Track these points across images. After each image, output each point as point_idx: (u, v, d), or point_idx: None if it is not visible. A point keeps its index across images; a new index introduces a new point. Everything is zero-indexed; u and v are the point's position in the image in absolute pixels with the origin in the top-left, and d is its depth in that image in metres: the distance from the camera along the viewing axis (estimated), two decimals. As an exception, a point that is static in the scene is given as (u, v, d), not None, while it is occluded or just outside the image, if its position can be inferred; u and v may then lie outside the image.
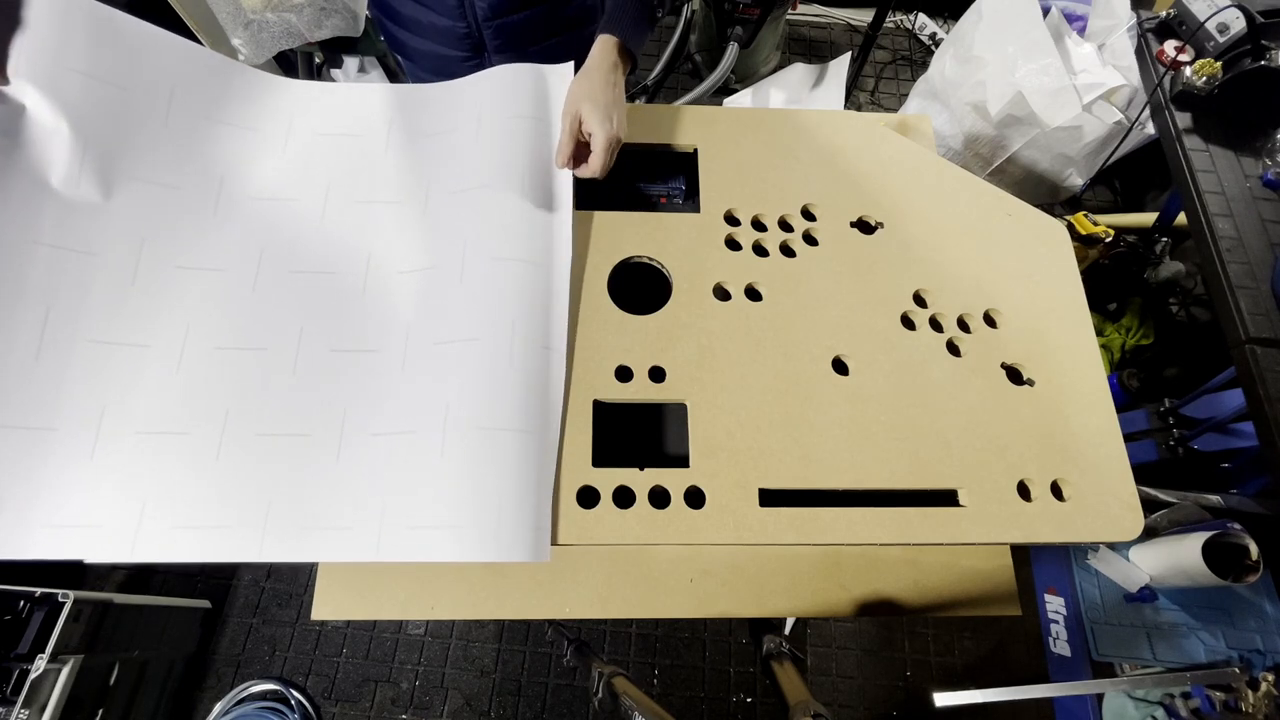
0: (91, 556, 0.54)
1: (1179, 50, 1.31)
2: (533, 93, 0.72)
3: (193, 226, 0.65)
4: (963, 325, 0.73)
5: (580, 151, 0.70)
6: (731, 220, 0.77)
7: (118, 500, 0.56)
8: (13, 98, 0.59)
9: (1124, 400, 1.65)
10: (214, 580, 1.66)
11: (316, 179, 0.71)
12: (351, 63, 1.85)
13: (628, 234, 0.75)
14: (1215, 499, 1.20)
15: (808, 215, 0.77)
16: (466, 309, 0.63)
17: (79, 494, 0.55)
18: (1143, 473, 1.28)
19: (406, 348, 0.64)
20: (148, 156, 0.64)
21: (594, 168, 0.68)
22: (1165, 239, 1.80)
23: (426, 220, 0.69)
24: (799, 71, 2.19)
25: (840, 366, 0.69)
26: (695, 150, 0.81)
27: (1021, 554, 1.17)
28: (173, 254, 0.63)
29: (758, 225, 0.77)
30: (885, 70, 2.47)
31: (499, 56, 0.90)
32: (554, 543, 0.59)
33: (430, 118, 0.74)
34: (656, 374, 0.67)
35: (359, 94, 0.75)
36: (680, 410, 0.67)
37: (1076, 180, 1.85)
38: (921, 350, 0.71)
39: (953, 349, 0.72)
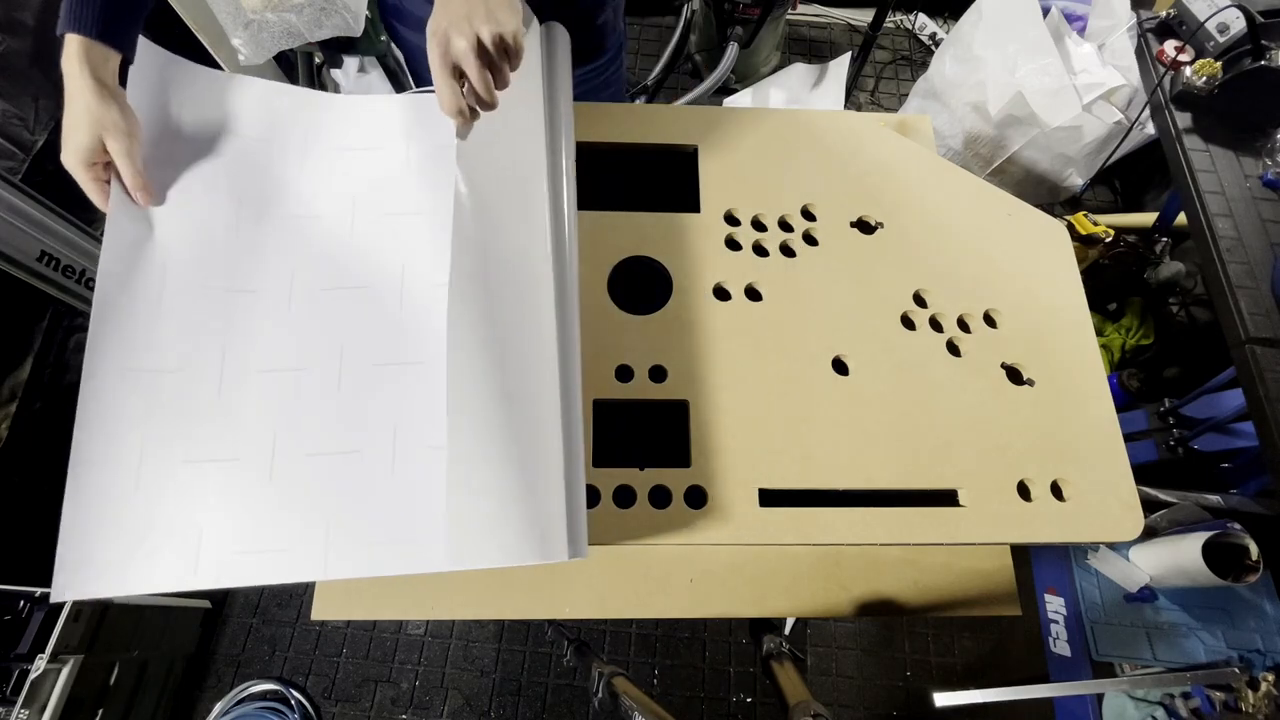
0: (146, 588, 0.53)
1: (1179, 50, 1.31)
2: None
3: (224, 245, 0.65)
4: (963, 325, 0.73)
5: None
6: (731, 220, 0.77)
7: (174, 527, 0.55)
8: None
9: (1124, 400, 1.65)
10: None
11: (340, 192, 0.70)
12: (351, 63, 1.84)
13: (628, 234, 0.75)
14: (1215, 499, 1.21)
15: (808, 215, 0.77)
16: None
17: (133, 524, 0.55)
18: (1143, 473, 1.28)
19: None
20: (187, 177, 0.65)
21: (478, 92, 0.56)
22: (1165, 239, 1.80)
23: (460, 232, 0.68)
24: (799, 71, 2.19)
25: (840, 366, 0.69)
26: (695, 150, 0.81)
27: (1021, 554, 1.17)
28: (204, 276, 0.63)
29: (758, 225, 0.77)
30: (885, 70, 2.47)
31: None
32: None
33: (448, 129, 0.73)
34: (657, 374, 0.67)
35: (372, 105, 0.74)
36: (680, 410, 0.67)
37: (1076, 180, 1.85)
38: (921, 350, 0.71)
39: (953, 349, 0.72)
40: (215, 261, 0.63)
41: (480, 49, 0.54)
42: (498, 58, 0.56)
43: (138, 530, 0.54)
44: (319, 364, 0.62)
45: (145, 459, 0.56)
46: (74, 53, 0.54)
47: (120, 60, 0.58)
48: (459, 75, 0.56)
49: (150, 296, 0.60)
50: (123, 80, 0.60)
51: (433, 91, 0.60)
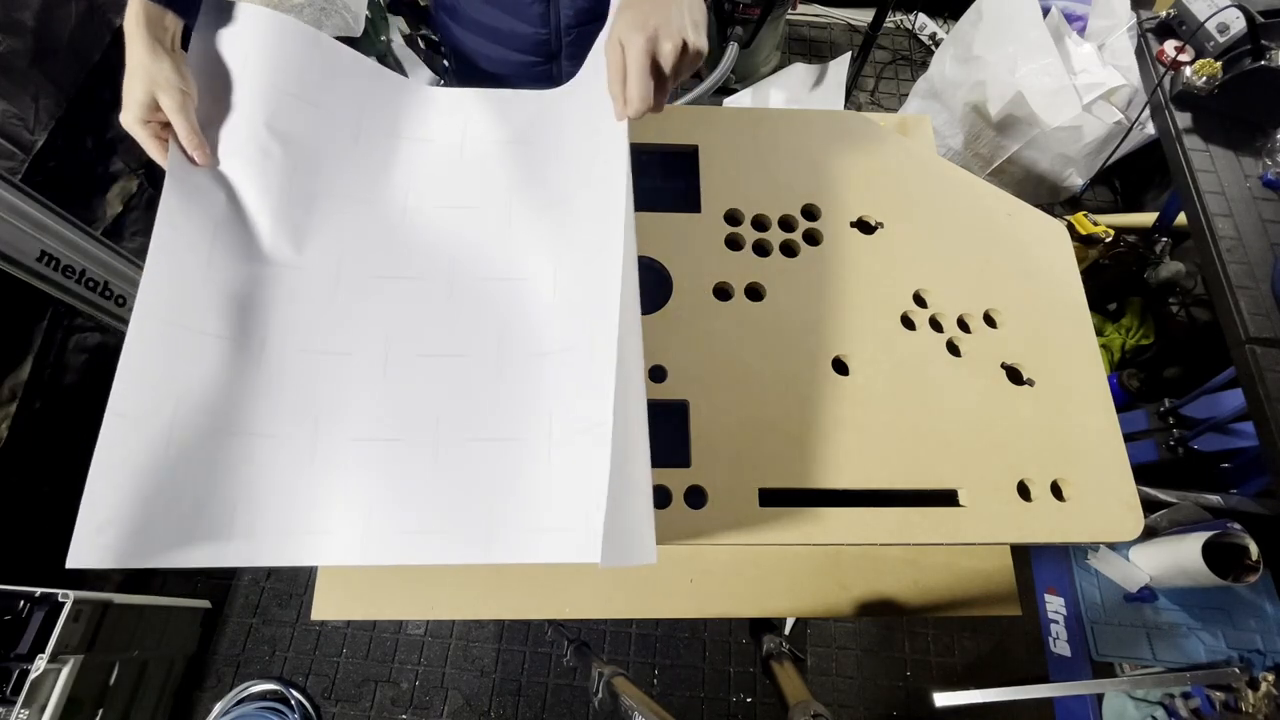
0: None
1: (1179, 50, 1.31)
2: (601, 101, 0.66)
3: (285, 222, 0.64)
4: (963, 325, 0.73)
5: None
6: (732, 220, 0.77)
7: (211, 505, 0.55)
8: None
9: (1124, 400, 1.65)
10: (214, 580, 1.66)
11: (396, 182, 0.69)
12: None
13: (628, 234, 0.75)
14: (1215, 499, 1.21)
15: (808, 215, 0.77)
16: (564, 321, 0.63)
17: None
18: (1143, 473, 1.28)
19: (500, 355, 0.63)
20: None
21: (630, 92, 0.52)
22: (1165, 239, 1.80)
23: (511, 231, 0.68)
24: (799, 71, 2.19)
25: (840, 366, 0.69)
26: (696, 150, 0.81)
27: (1021, 554, 1.17)
28: (249, 251, 0.63)
29: (758, 225, 0.77)
30: (885, 70, 2.47)
31: (570, 64, 0.88)
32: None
33: (510, 125, 0.72)
34: (657, 373, 0.67)
35: (432, 95, 0.73)
36: (680, 410, 0.67)
37: (1076, 180, 1.85)
38: (921, 350, 0.71)
39: (953, 349, 0.72)
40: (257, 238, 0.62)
41: (667, 53, 0.52)
42: (685, 69, 0.55)
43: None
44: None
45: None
46: (134, 12, 0.55)
47: (182, 26, 0.58)
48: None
49: (199, 260, 0.59)
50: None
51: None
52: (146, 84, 0.55)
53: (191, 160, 0.59)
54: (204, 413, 0.55)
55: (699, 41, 0.52)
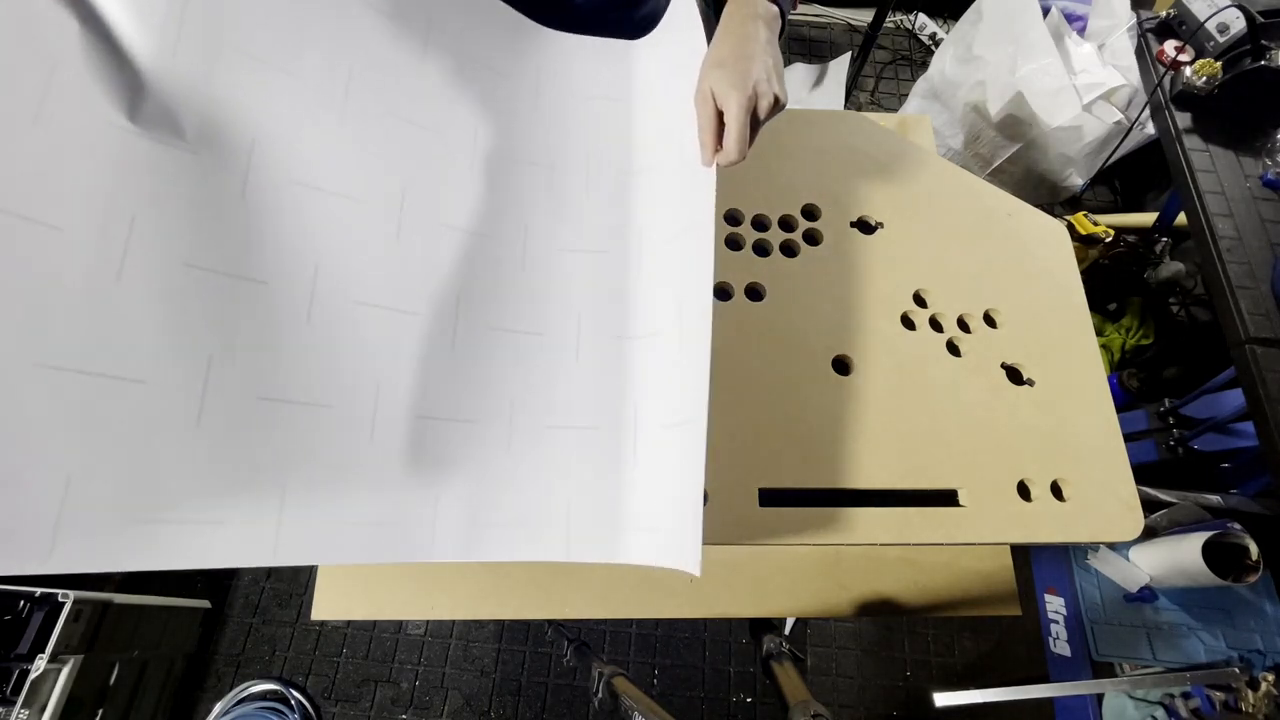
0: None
1: (1179, 50, 1.31)
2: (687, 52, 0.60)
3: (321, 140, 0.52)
4: (963, 325, 0.73)
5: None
6: (732, 220, 0.77)
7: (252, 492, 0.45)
8: None
9: (1124, 400, 1.65)
10: (214, 580, 1.66)
11: (462, 121, 0.58)
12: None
13: (628, 234, 0.75)
14: (1215, 499, 1.20)
15: (808, 215, 0.77)
16: (647, 299, 0.58)
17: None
18: (1143, 473, 1.28)
19: (580, 335, 0.58)
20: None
21: (727, 144, 0.53)
22: (1165, 239, 1.80)
23: (591, 196, 0.61)
24: (799, 71, 2.19)
25: (840, 366, 0.69)
26: (695, 150, 0.81)
27: (1021, 554, 1.16)
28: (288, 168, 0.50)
29: (758, 225, 0.77)
30: (885, 70, 2.46)
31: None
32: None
33: (583, 77, 0.64)
34: (656, 374, 0.67)
35: (505, 22, 0.63)
36: (680, 410, 0.67)
37: (1076, 180, 1.85)
38: (921, 350, 0.71)
39: (953, 349, 0.72)
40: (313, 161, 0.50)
41: (765, 108, 0.54)
42: (770, 119, 0.56)
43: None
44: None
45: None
46: None
47: None
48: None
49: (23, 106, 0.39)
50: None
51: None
52: None
53: None
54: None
55: (784, 95, 0.55)
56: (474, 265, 0.56)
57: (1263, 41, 1.23)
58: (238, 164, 0.45)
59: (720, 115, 0.54)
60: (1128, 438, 0.94)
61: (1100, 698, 1.09)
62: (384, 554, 0.47)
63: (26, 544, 0.35)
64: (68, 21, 0.40)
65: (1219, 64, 1.25)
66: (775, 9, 0.59)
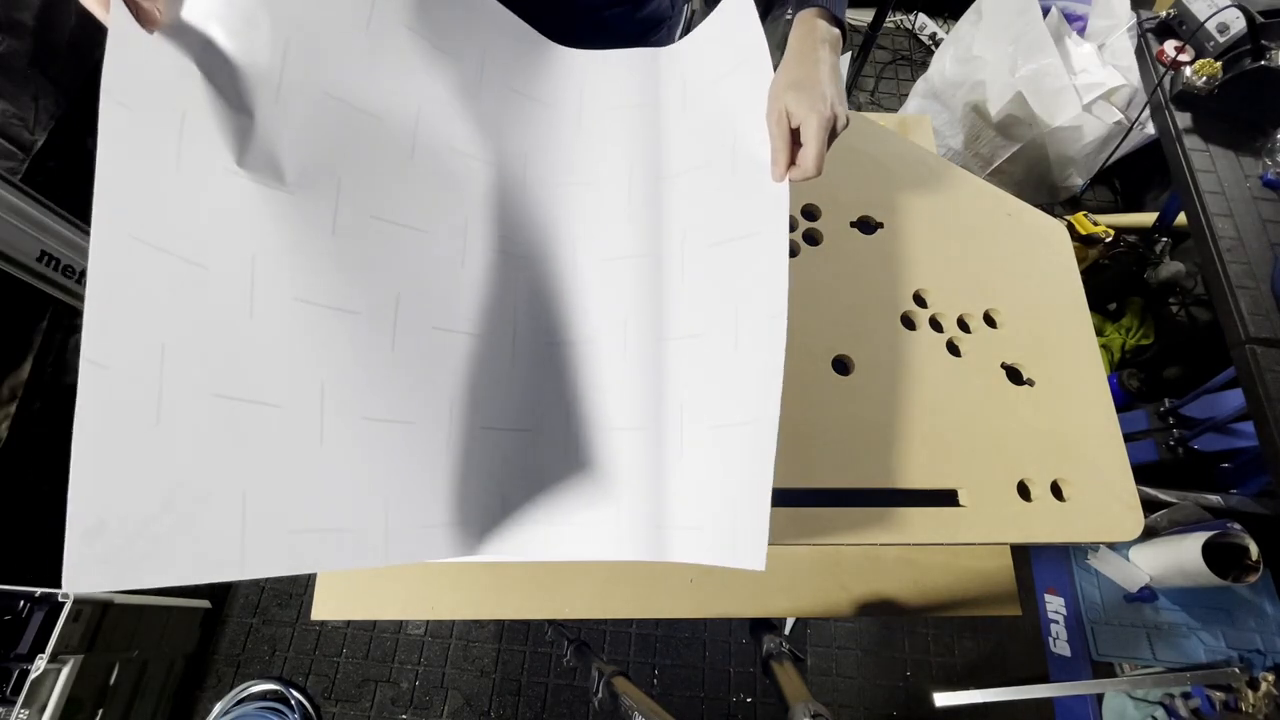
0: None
1: (1179, 50, 1.31)
2: (739, 53, 0.64)
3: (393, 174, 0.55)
4: (963, 325, 0.73)
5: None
6: (731, 220, 0.77)
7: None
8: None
9: (1124, 400, 1.65)
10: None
11: (512, 150, 0.62)
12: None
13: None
14: (1215, 499, 1.21)
15: (808, 215, 0.77)
16: (691, 302, 0.59)
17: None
18: (1143, 473, 1.28)
19: (626, 339, 0.60)
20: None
21: (806, 161, 0.55)
22: (1165, 239, 1.80)
23: (634, 204, 0.64)
24: (799, 71, 2.18)
25: (840, 366, 0.69)
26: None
27: (1021, 554, 1.17)
28: (369, 203, 0.52)
29: (758, 225, 0.77)
30: (885, 70, 2.46)
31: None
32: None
33: (624, 88, 0.67)
34: (656, 374, 0.67)
35: (545, 50, 0.67)
36: (680, 410, 0.66)
37: (1076, 180, 1.85)
38: (921, 350, 0.71)
39: (953, 349, 0.72)
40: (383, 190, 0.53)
41: (832, 128, 0.58)
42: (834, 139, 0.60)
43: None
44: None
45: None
46: None
47: None
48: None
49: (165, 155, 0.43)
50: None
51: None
52: None
53: (138, 19, 0.43)
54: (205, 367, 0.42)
55: (847, 115, 0.59)
56: (531, 286, 0.60)
57: (1263, 41, 1.23)
58: (327, 203, 0.49)
59: (794, 134, 0.57)
60: (1128, 438, 0.94)
61: (1100, 698, 1.09)
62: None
63: (218, 555, 0.40)
64: (190, 69, 0.44)
65: (1219, 64, 1.25)
66: (838, 31, 0.62)
